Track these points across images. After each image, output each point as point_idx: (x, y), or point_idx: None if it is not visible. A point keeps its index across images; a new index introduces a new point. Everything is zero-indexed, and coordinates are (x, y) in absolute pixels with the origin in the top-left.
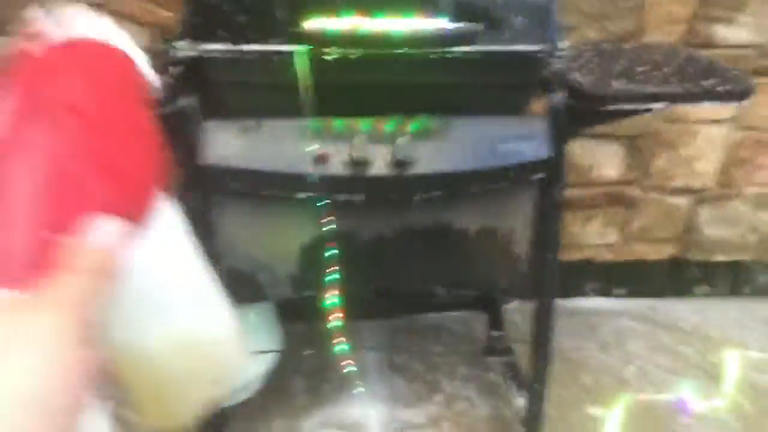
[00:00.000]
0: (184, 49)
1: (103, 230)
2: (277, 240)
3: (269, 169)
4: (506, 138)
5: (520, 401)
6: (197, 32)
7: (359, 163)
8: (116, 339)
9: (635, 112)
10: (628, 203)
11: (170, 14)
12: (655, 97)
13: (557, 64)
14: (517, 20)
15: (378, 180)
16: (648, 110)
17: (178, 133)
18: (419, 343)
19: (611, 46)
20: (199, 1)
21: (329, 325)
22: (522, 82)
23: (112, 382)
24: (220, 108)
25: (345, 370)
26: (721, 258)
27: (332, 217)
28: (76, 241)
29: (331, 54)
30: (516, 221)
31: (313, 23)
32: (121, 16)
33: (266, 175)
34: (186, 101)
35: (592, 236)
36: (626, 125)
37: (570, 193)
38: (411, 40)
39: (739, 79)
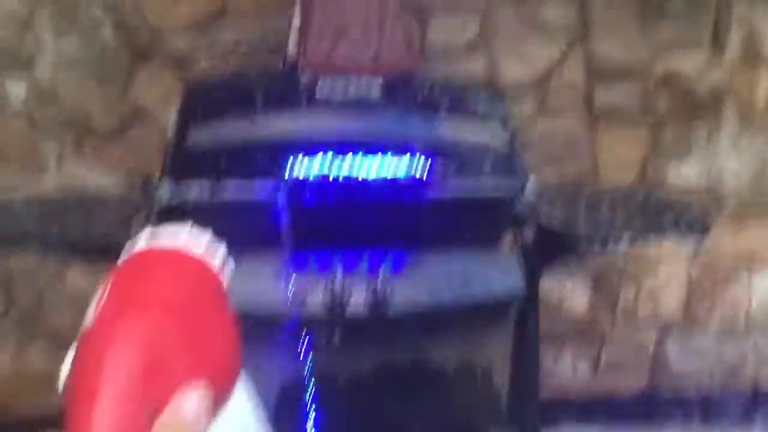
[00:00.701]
0: (166, 197)
1: (191, 406)
2: (255, 382)
3: (248, 310)
4: (480, 273)
5: None
6: (178, 179)
7: (338, 304)
8: None
9: (602, 251)
10: (598, 336)
11: (148, 161)
12: (620, 240)
13: (526, 204)
14: (487, 161)
15: (355, 321)
16: (615, 251)
17: None
18: None
19: (572, 189)
20: (180, 151)
21: None
22: (494, 220)
23: None
24: None
25: None
26: (691, 390)
27: (310, 358)
28: (170, 415)
29: (309, 200)
30: (493, 357)
31: (291, 169)
32: (100, 163)
33: (244, 316)
34: None
35: (565, 370)
36: (591, 261)
37: (540, 327)
38: (385, 185)
39: (698, 215)
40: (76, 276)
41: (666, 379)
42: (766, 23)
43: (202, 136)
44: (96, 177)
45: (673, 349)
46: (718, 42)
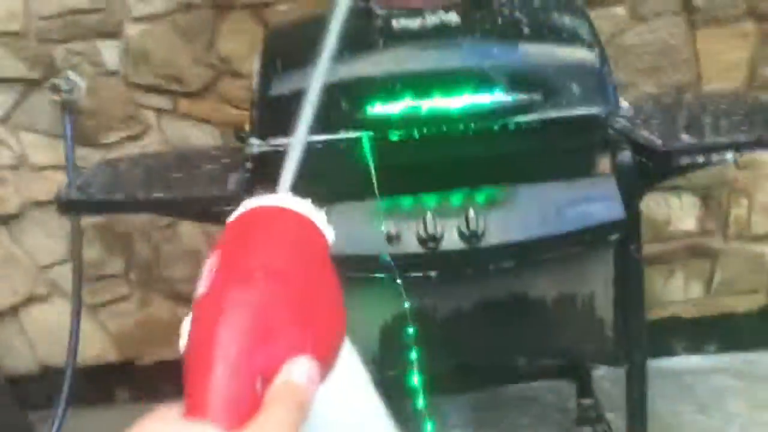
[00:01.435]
0: (257, 145)
1: (302, 373)
2: (356, 322)
3: (343, 252)
4: (576, 201)
5: None
6: (267, 128)
7: (430, 240)
8: None
9: (706, 165)
10: (710, 255)
11: (239, 112)
12: (727, 148)
13: (620, 123)
14: (572, 85)
15: (450, 254)
16: (722, 161)
17: None
18: (505, 416)
19: (671, 99)
20: (266, 100)
21: (413, 405)
22: (586, 144)
23: None
24: None
25: None
26: None
27: (409, 295)
28: (281, 383)
29: (394, 137)
30: (595, 285)
31: (374, 109)
32: (195, 119)
33: (340, 258)
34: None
35: (676, 292)
36: (699, 175)
37: (648, 249)
38: (471, 115)
39: None
40: (188, 230)
41: None
42: None
43: (286, 82)
44: (193, 133)
45: None
46: None
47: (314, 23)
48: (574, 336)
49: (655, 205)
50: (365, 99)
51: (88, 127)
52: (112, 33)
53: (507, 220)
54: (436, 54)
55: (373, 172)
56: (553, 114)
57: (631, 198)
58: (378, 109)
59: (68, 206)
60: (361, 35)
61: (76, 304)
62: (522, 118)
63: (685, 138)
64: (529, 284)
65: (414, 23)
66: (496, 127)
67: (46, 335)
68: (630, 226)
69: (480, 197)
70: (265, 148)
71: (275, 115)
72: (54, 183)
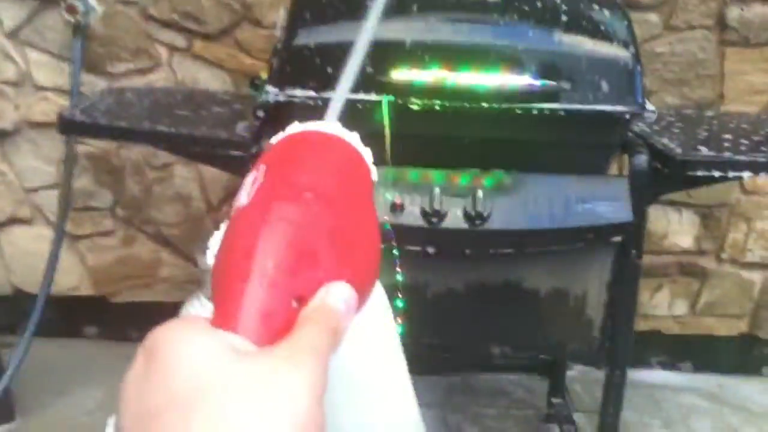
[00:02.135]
0: (273, 94)
1: (339, 295)
2: None
3: None
4: (585, 198)
5: None
6: (285, 79)
7: (435, 215)
8: None
9: (721, 180)
10: (700, 275)
11: (253, 61)
12: (745, 167)
13: (641, 127)
14: (602, 80)
15: (452, 233)
16: (737, 178)
17: None
18: (475, 403)
19: (693, 113)
20: (290, 51)
21: None
22: (604, 142)
23: None
24: None
25: None
26: None
27: (403, 268)
28: (317, 304)
29: (416, 105)
30: (590, 284)
31: (399, 74)
32: (208, 62)
33: None
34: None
35: (661, 307)
36: (701, 193)
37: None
38: (497, 95)
39: None
40: (182, 173)
41: None
42: None
43: (313, 34)
44: (203, 75)
45: None
46: None
47: None
48: (560, 332)
49: (654, 217)
50: (391, 63)
51: (97, 54)
52: None
53: (513, 206)
54: (469, 28)
55: (387, 138)
56: (577, 106)
57: (640, 202)
58: (403, 75)
59: (70, 127)
60: None
61: (59, 232)
62: (546, 105)
63: (704, 150)
64: (525, 274)
65: None
66: (519, 111)
67: (22, 259)
68: (635, 231)
69: (489, 180)
70: (281, 98)
71: (296, 66)
72: (54, 106)
